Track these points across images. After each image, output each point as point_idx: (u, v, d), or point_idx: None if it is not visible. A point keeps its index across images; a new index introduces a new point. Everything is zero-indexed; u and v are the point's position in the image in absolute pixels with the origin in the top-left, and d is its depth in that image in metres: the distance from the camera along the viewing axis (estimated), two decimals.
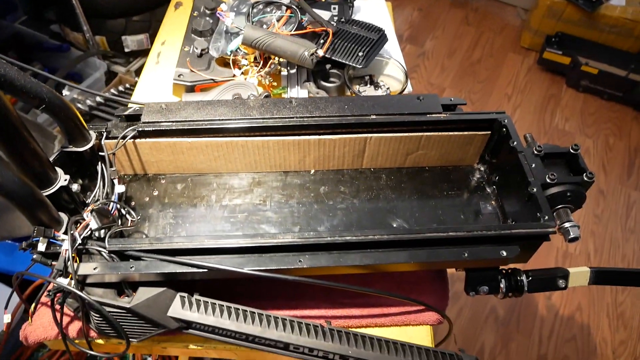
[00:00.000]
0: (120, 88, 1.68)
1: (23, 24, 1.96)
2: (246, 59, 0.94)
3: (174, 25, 1.14)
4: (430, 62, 2.33)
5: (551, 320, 1.61)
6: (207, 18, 1.02)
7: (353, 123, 0.74)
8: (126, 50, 1.87)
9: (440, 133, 0.76)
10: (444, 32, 2.47)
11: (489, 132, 0.78)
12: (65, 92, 1.68)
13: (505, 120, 0.75)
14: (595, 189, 1.96)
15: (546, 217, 0.66)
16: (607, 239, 1.83)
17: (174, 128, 0.73)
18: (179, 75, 0.92)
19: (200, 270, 0.57)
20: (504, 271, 0.71)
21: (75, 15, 1.74)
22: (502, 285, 0.70)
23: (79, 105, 1.63)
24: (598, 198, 1.94)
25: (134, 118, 0.76)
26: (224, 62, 0.98)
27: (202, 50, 0.95)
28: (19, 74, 0.56)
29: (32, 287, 0.72)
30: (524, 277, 0.70)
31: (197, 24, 0.99)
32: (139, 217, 0.74)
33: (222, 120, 0.73)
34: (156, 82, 1.01)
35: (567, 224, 0.69)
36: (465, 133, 0.77)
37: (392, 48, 1.05)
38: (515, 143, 0.73)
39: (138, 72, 1.90)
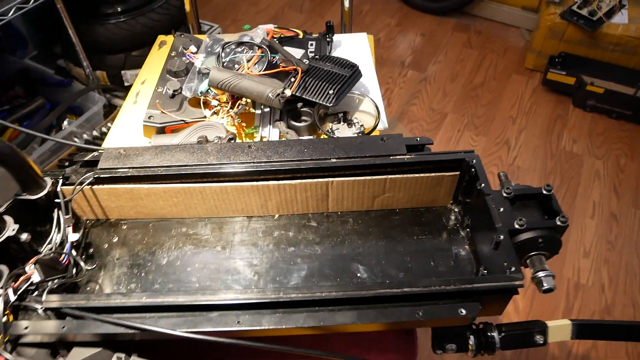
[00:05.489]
0: None
1: (33, 59, 2.05)
2: (217, 100, 0.93)
3: (155, 65, 1.14)
4: (432, 87, 2.30)
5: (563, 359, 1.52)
6: (183, 58, 1.02)
7: (312, 167, 0.71)
8: (126, 84, 1.91)
9: (405, 175, 0.73)
10: (446, 56, 2.44)
11: (458, 173, 0.74)
12: (65, 124, 1.72)
13: (474, 160, 0.72)
14: (607, 213, 1.87)
15: (512, 269, 0.61)
16: (623, 267, 1.73)
17: (129, 175, 0.72)
18: (149, 117, 0.91)
19: (132, 331, 0.55)
20: (474, 326, 0.66)
21: (76, 51, 1.78)
22: (471, 343, 0.65)
23: (76, 139, 1.66)
24: (611, 223, 1.84)
25: (92, 164, 0.75)
26: (197, 102, 0.97)
27: (174, 90, 0.95)
28: None
29: None
30: (495, 333, 0.65)
31: (172, 65, 0.99)
32: (94, 266, 0.72)
33: (178, 166, 0.72)
34: (133, 122, 1.00)
35: (540, 274, 0.65)
36: (433, 174, 0.74)
37: (370, 82, 1.02)
38: (482, 185, 0.69)
39: None
